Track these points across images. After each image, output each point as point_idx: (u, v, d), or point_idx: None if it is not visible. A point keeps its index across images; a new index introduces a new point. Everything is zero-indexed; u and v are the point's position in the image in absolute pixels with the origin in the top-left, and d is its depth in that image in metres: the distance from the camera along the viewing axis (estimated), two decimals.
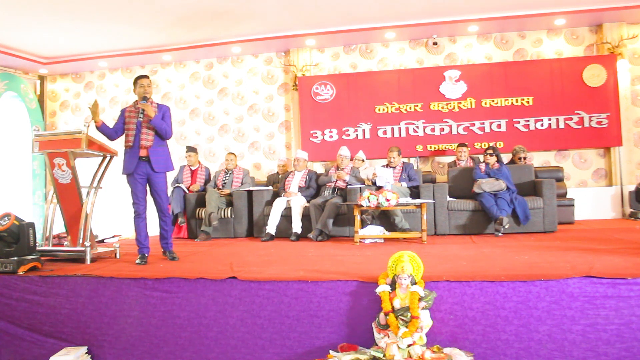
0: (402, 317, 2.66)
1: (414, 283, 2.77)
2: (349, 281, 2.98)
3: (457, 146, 6.85)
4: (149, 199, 4.18)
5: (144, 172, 4.07)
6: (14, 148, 8.01)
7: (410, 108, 7.55)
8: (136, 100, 4.15)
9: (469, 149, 6.91)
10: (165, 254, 4.21)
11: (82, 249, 4.07)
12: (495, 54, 7.55)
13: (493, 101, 7.35)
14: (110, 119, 8.63)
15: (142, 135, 4.05)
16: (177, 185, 6.49)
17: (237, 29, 7.22)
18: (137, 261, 3.99)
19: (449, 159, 7.34)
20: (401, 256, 2.83)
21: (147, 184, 4.16)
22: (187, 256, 4.31)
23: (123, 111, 4.18)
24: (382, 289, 2.79)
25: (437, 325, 2.77)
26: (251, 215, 6.20)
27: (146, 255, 4.09)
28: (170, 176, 7.64)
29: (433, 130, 7.48)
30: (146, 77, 4.13)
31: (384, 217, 5.53)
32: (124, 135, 4.16)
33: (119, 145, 4.26)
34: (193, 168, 6.73)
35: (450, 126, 7.44)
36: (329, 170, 6.29)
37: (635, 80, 7.14)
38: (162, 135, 4.13)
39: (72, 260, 4.13)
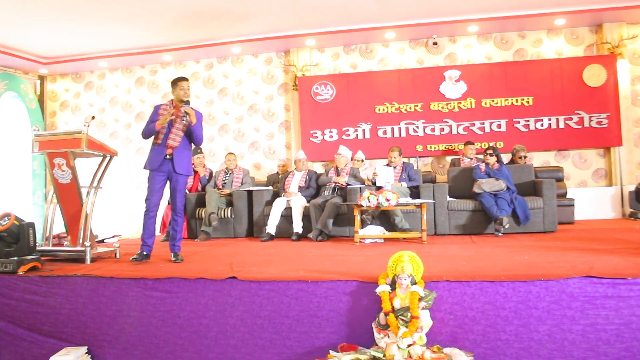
0: (402, 317, 2.66)
1: (414, 283, 2.77)
2: (349, 281, 2.98)
3: (465, 144, 6.86)
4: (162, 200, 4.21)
5: (166, 170, 4.09)
6: (14, 148, 8.01)
7: (410, 108, 7.55)
8: (172, 100, 4.15)
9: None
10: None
11: (82, 249, 4.07)
12: (495, 54, 7.55)
13: (493, 101, 7.35)
14: (110, 119, 8.64)
15: (171, 135, 4.05)
16: None
17: (237, 29, 7.23)
18: (132, 257, 3.97)
19: (449, 158, 7.35)
20: (401, 256, 2.83)
21: (168, 184, 4.17)
22: (187, 256, 4.30)
23: (157, 108, 4.15)
24: (382, 289, 2.79)
25: (437, 325, 2.77)
26: (251, 215, 6.20)
27: (145, 253, 4.07)
28: None
29: (433, 130, 7.48)
30: (186, 79, 4.11)
31: (384, 217, 5.53)
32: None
33: (119, 145, 4.27)
34: (199, 169, 6.71)
35: (450, 126, 7.44)
36: (328, 172, 6.29)
37: (635, 80, 7.14)
38: (196, 141, 4.17)
39: (72, 260, 4.13)
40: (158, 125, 4.00)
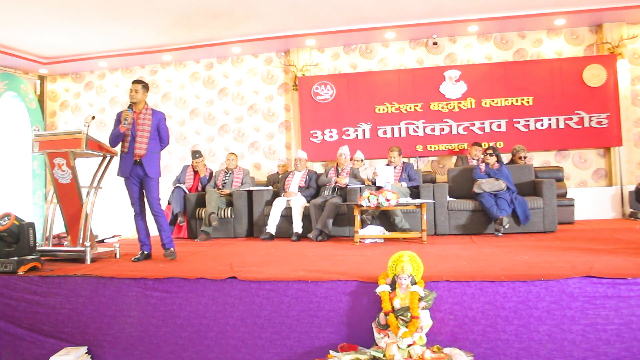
0: (402, 317, 2.66)
1: (414, 283, 2.77)
2: (349, 281, 2.98)
3: (472, 145, 6.85)
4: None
5: (137, 174, 4.16)
6: (14, 148, 8.01)
7: (410, 108, 7.55)
8: (130, 105, 4.21)
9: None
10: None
11: (82, 249, 4.07)
12: (495, 54, 7.55)
13: (493, 101, 7.35)
14: (110, 119, 8.64)
15: (137, 144, 4.11)
16: (177, 185, 6.48)
17: (237, 29, 7.22)
18: (134, 257, 4.11)
19: (448, 159, 7.34)
20: (401, 256, 2.83)
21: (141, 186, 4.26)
22: (187, 256, 4.31)
23: (119, 115, 4.21)
24: (382, 289, 2.79)
25: (437, 325, 2.77)
26: (251, 215, 6.20)
27: (145, 252, 4.20)
28: (172, 176, 7.66)
29: (433, 130, 7.48)
30: (135, 82, 4.18)
31: (384, 217, 5.53)
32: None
33: (119, 145, 4.28)
34: (199, 169, 6.69)
35: (450, 126, 7.43)
36: (328, 172, 6.28)
37: (635, 80, 7.14)
38: (164, 141, 4.26)
39: (72, 260, 4.13)
40: (122, 128, 4.05)
